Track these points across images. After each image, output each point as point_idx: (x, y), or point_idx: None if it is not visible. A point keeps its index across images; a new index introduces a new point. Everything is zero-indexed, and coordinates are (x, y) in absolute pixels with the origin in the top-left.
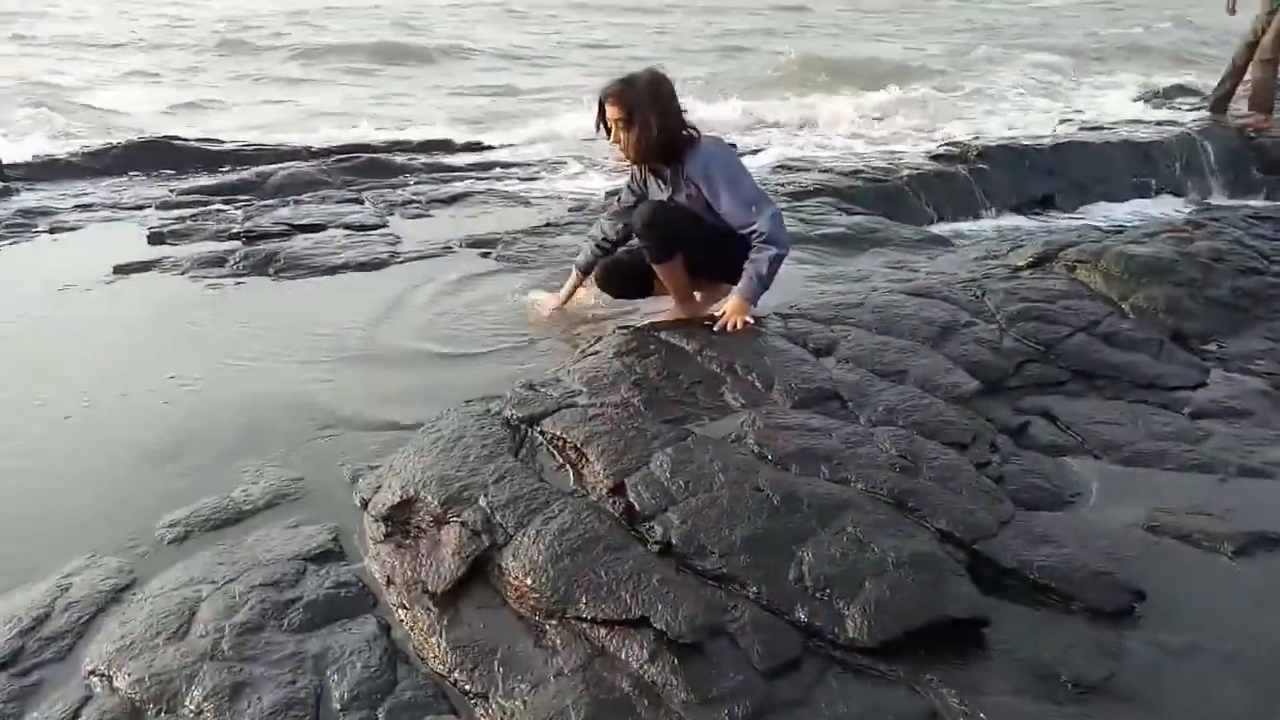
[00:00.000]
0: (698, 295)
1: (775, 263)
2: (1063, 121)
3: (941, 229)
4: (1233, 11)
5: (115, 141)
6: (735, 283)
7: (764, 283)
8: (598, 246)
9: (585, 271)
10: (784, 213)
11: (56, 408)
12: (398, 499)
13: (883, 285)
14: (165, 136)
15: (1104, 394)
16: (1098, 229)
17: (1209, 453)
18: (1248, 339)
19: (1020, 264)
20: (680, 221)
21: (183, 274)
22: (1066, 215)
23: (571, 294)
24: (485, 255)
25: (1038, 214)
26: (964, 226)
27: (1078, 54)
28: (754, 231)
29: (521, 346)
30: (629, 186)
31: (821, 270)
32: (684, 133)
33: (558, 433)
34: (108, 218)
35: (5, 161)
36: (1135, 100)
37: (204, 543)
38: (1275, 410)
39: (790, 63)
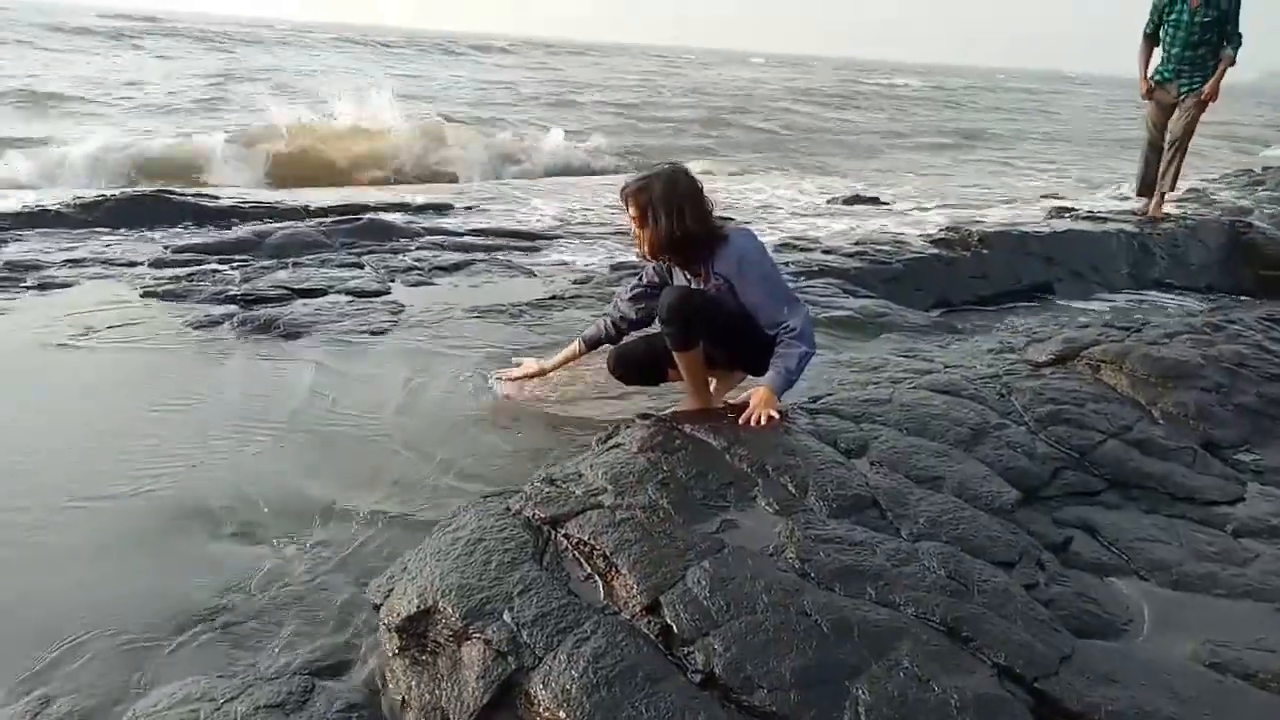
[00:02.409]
0: (712, 383)
1: (804, 360)
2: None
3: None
4: (1148, 96)
5: (108, 193)
6: (752, 373)
7: (791, 378)
8: (614, 325)
9: (590, 345)
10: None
11: (43, 493)
12: (414, 609)
13: (901, 375)
14: (160, 190)
15: (1141, 505)
16: (1112, 326)
17: (1258, 577)
18: (1279, 450)
19: (1041, 360)
20: (707, 309)
21: (176, 336)
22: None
23: (562, 365)
24: (491, 325)
25: (1035, 301)
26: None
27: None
28: (785, 326)
29: (535, 429)
30: (653, 269)
31: (836, 356)
32: (710, 229)
33: (585, 538)
34: (98, 274)
35: None
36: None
37: (203, 651)
38: None
39: None
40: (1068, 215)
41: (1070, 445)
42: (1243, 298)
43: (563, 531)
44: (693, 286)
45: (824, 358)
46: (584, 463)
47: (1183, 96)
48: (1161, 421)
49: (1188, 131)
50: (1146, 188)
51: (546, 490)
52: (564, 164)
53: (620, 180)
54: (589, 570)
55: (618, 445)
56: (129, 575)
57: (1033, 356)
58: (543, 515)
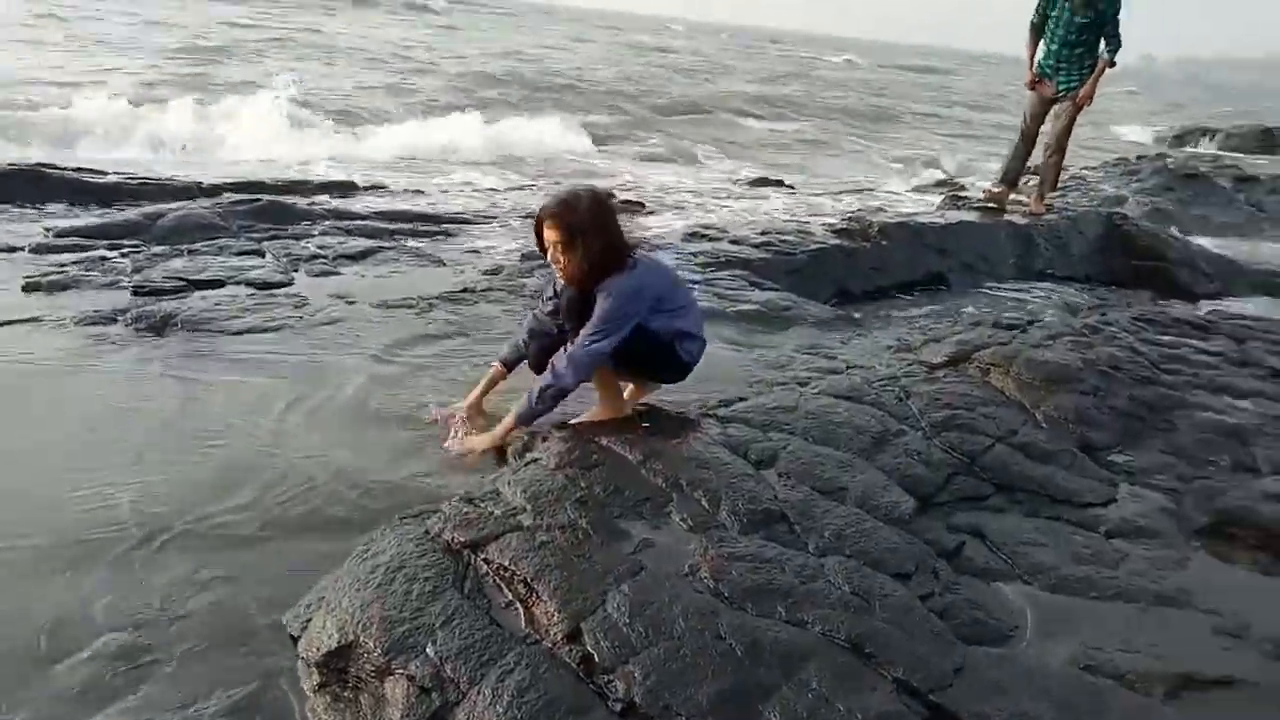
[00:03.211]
0: (628, 388)
1: (547, 392)
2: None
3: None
4: (1032, 87)
5: None
6: (664, 381)
7: (534, 412)
8: (531, 341)
9: (509, 366)
10: (699, 285)
11: None
12: (334, 643)
13: (806, 375)
14: (38, 164)
15: (1024, 509)
16: (1000, 326)
17: (1126, 578)
18: (1148, 451)
19: (936, 362)
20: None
21: (64, 338)
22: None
23: (487, 392)
24: (401, 321)
25: (930, 290)
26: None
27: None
28: (561, 353)
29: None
30: (553, 284)
31: (742, 355)
32: (624, 256)
33: (505, 563)
34: None
35: None
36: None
37: (110, 689)
38: (1178, 531)
39: None
40: (961, 206)
41: (962, 450)
42: (1114, 287)
43: (483, 556)
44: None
45: (734, 353)
46: (501, 480)
47: (1060, 94)
48: (1044, 425)
49: (1064, 133)
50: (1010, 176)
51: (465, 510)
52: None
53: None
54: (510, 596)
55: (535, 461)
56: (24, 611)
57: (928, 358)
58: (462, 539)
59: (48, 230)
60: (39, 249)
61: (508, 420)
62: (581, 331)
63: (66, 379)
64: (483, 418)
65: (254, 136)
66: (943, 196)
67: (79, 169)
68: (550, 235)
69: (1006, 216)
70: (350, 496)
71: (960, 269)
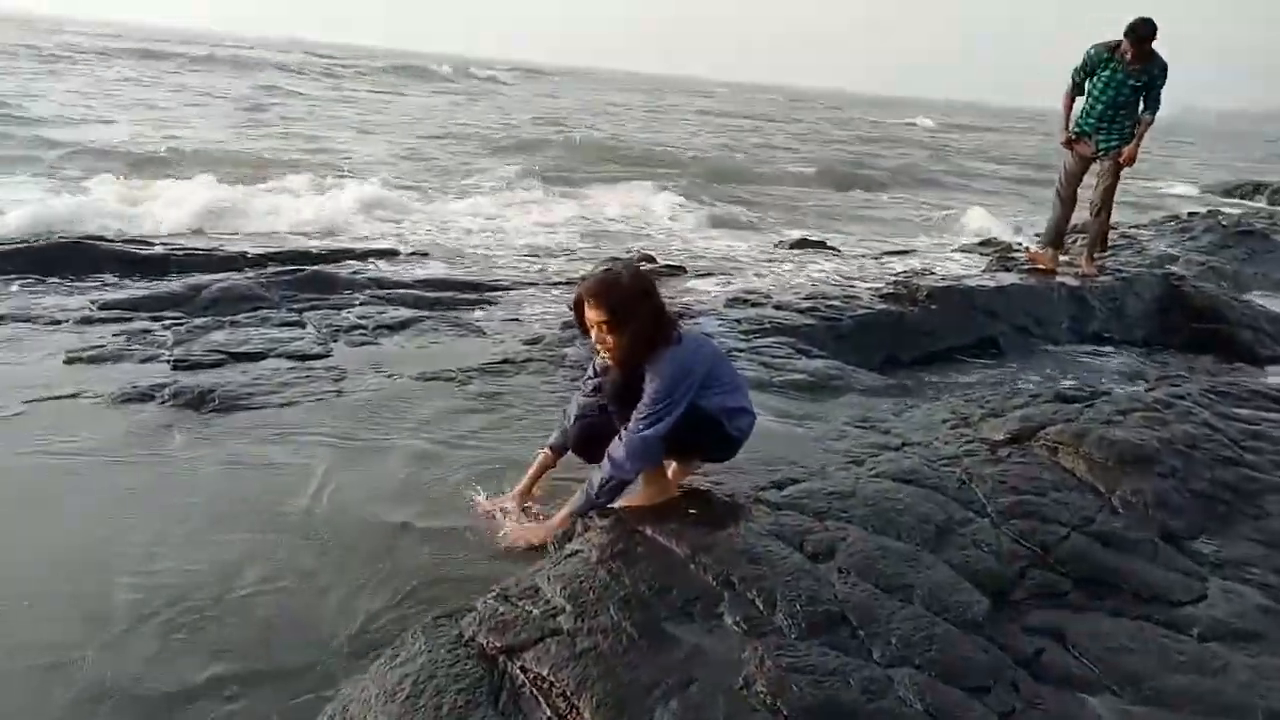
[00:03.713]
0: (671, 466)
1: (609, 485)
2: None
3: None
4: (1069, 145)
5: (30, 240)
6: (708, 459)
7: (593, 503)
8: (577, 421)
9: (558, 452)
10: (744, 353)
11: None
12: None
13: (860, 452)
14: (88, 237)
15: (1107, 607)
16: (1063, 397)
17: (1232, 692)
18: (1235, 540)
19: (998, 439)
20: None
21: (102, 411)
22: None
23: (536, 480)
24: (440, 395)
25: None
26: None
27: None
28: (618, 441)
29: (487, 526)
30: (595, 363)
31: (791, 428)
32: (670, 330)
33: (544, 673)
34: (18, 335)
35: None
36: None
37: None
38: None
39: None
40: (1010, 268)
41: (1035, 540)
42: (1173, 350)
43: (519, 664)
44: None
45: (783, 426)
46: (540, 575)
47: (1100, 155)
48: (1121, 511)
49: (1109, 193)
50: (1055, 237)
51: (500, 611)
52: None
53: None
54: (549, 712)
55: (576, 553)
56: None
57: (989, 434)
58: (498, 644)
59: (93, 303)
60: (84, 320)
61: (564, 513)
62: (634, 417)
63: (97, 459)
64: (534, 505)
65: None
66: (990, 257)
67: (127, 240)
68: (594, 315)
69: (1058, 278)
70: (382, 587)
71: (1013, 332)
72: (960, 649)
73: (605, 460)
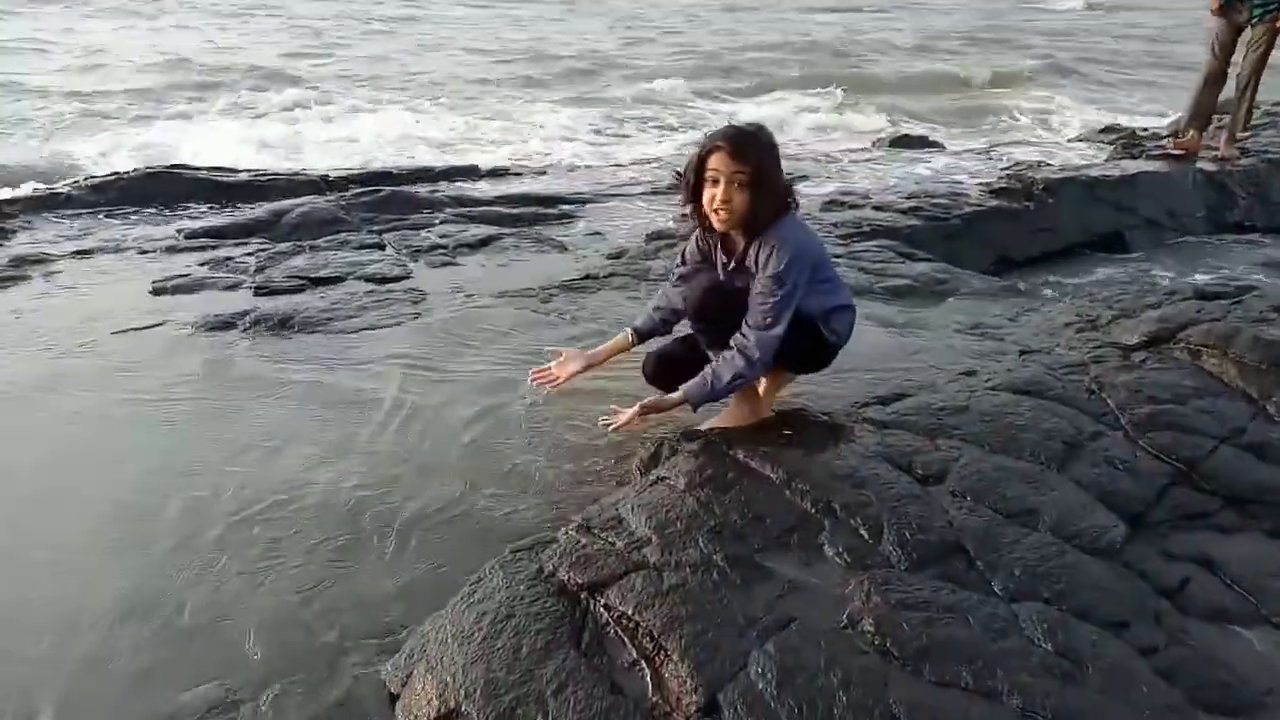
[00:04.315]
0: (761, 383)
1: (737, 381)
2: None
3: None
4: (1221, 12)
5: (121, 171)
6: (801, 371)
7: (715, 395)
8: (666, 318)
9: (642, 337)
10: (842, 259)
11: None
12: (435, 711)
13: (974, 364)
14: (173, 166)
15: (1264, 525)
16: (1204, 294)
17: None
18: None
19: (1132, 343)
20: (736, 307)
21: (187, 339)
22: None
23: (610, 357)
24: (521, 315)
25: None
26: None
27: None
28: (748, 334)
29: (568, 450)
30: (696, 246)
31: (895, 339)
32: (787, 201)
33: (629, 611)
34: (106, 267)
35: (2, 198)
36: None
37: None
38: None
39: None
40: (1138, 155)
41: (1178, 455)
42: None
43: (603, 601)
44: (723, 275)
45: (887, 337)
46: (624, 504)
47: (1254, 20)
48: (1278, 419)
49: (1257, 69)
50: (1200, 119)
51: (583, 544)
52: None
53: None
54: (634, 654)
55: (662, 480)
56: (128, 652)
57: (1121, 338)
58: (579, 580)
59: (179, 231)
60: (170, 249)
61: (677, 395)
62: (756, 309)
63: (181, 387)
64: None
65: None
66: (1114, 145)
67: (212, 168)
68: (730, 167)
69: (1196, 164)
70: (465, 512)
71: (1142, 225)
72: (1094, 579)
73: (737, 355)
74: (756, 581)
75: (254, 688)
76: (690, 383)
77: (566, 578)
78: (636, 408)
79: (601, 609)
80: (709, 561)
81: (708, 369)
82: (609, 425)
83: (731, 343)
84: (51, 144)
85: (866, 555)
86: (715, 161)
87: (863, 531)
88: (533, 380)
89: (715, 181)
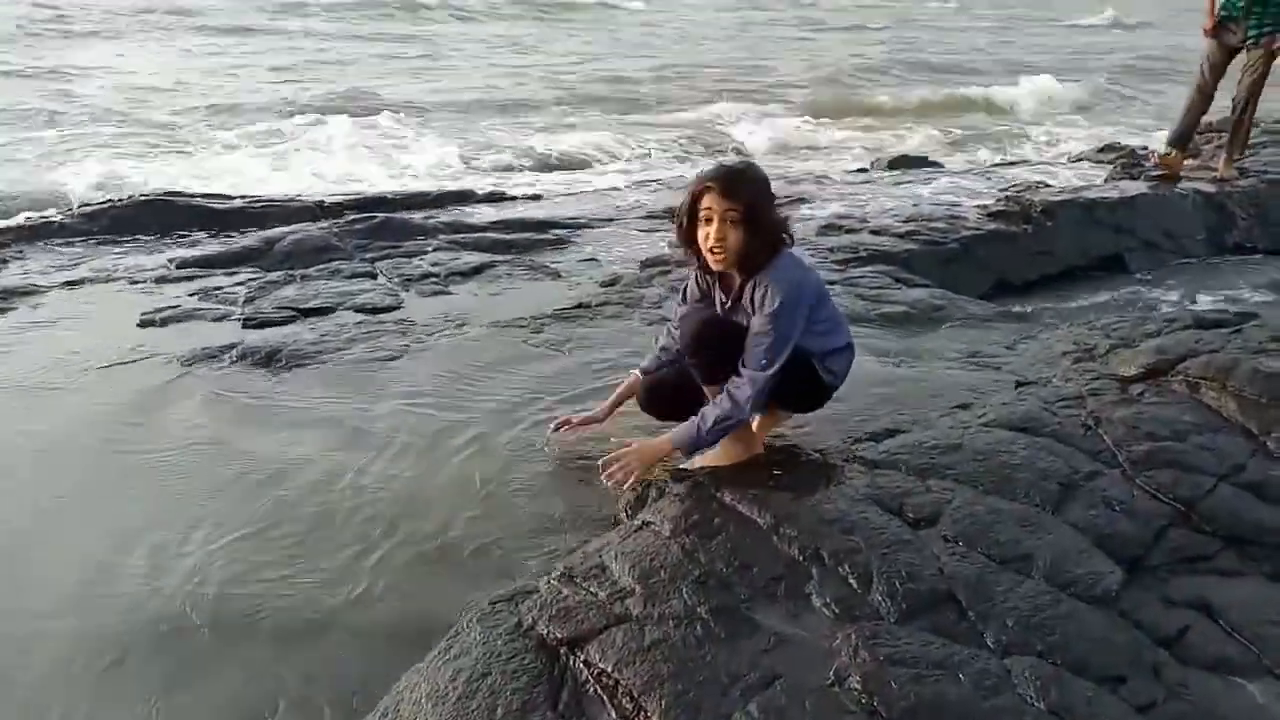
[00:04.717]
0: (754, 419)
1: (724, 424)
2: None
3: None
4: (1213, 34)
5: (114, 199)
6: (797, 410)
7: (702, 440)
8: (669, 360)
9: (649, 376)
10: (838, 285)
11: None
12: None
13: (968, 394)
14: (167, 193)
15: (1264, 569)
16: (1203, 323)
17: None
18: None
19: (1129, 375)
20: (732, 340)
21: (172, 374)
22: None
23: (621, 403)
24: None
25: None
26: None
27: None
28: (742, 374)
29: (558, 488)
30: (696, 285)
31: (890, 369)
32: (786, 234)
33: (608, 669)
34: (95, 299)
35: None
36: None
37: None
38: None
39: None
40: (1137, 176)
41: (1176, 495)
42: None
43: (582, 658)
44: (720, 310)
45: (880, 367)
46: (608, 550)
47: (1249, 43)
48: (1279, 456)
49: (1254, 92)
50: (1181, 139)
51: (564, 595)
52: None
53: None
54: (614, 714)
55: (647, 525)
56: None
57: (1119, 369)
58: (559, 635)
59: (171, 260)
60: (160, 280)
61: (662, 441)
62: (751, 350)
63: (164, 422)
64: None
65: None
66: (1113, 165)
67: (207, 195)
68: (722, 205)
69: (1190, 184)
70: (450, 552)
71: (1142, 248)
72: (1090, 630)
73: (725, 399)
74: (742, 635)
75: None
76: (679, 429)
77: (546, 631)
78: (635, 460)
79: (581, 665)
80: (693, 614)
81: (697, 415)
82: (615, 481)
83: (726, 385)
84: (49, 174)
85: (855, 606)
86: (708, 201)
87: (851, 580)
88: (551, 433)
89: (709, 220)
